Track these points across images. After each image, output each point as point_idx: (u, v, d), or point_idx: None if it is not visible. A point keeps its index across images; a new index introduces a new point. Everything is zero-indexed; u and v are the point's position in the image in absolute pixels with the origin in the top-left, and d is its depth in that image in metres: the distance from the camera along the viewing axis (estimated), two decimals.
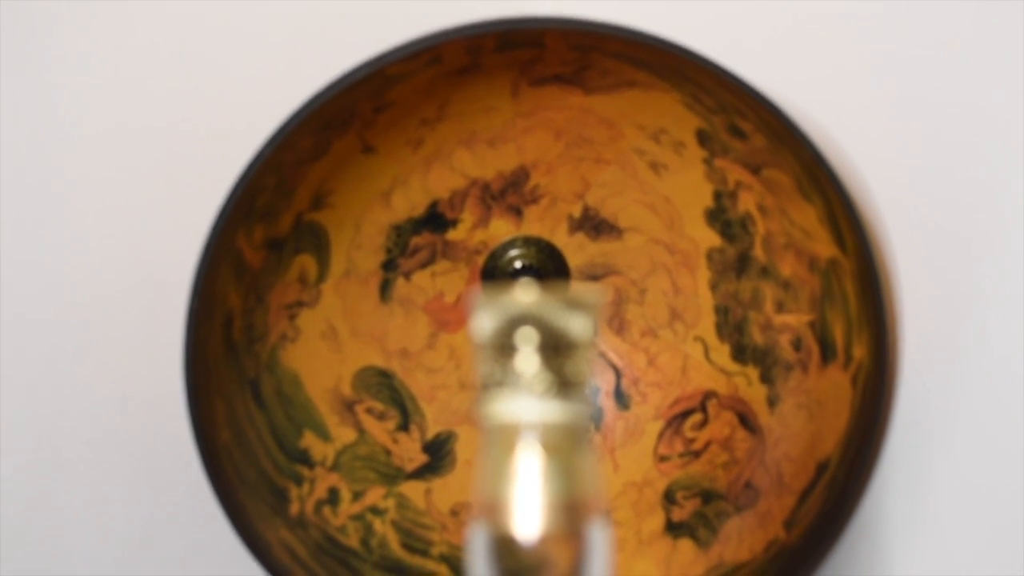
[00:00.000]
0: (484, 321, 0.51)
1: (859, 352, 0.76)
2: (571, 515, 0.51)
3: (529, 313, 0.51)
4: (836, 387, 0.77)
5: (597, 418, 0.82)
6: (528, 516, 0.51)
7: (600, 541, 0.52)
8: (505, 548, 0.51)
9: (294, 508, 0.78)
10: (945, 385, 0.74)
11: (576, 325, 0.51)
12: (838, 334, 0.77)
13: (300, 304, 0.79)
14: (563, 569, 0.51)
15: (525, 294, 0.51)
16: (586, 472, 0.51)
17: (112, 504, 0.81)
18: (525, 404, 0.51)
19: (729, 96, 0.75)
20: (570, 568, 0.51)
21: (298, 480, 0.79)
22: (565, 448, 0.51)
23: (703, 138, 0.78)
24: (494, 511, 0.51)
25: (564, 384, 0.51)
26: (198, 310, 0.74)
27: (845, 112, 0.78)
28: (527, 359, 0.51)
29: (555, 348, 0.51)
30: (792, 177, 0.76)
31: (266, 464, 0.78)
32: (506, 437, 0.51)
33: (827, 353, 0.78)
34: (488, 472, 0.51)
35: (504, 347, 0.51)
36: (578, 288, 0.51)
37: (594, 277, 0.80)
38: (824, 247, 0.77)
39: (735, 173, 0.79)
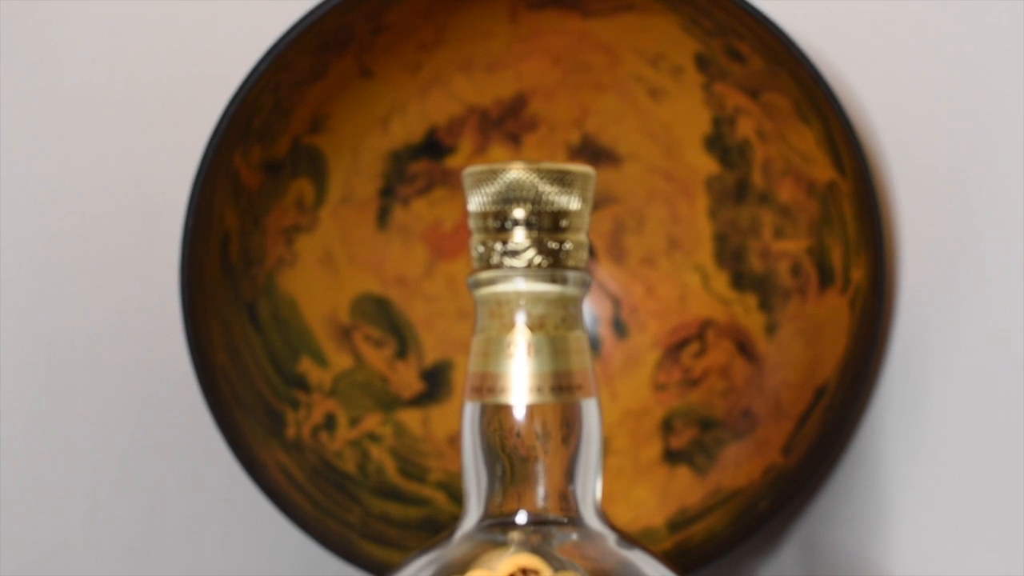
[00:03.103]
0: (476, 194, 0.51)
1: (857, 275, 0.76)
2: (560, 388, 0.51)
3: (520, 186, 0.50)
4: (834, 311, 0.77)
5: (595, 347, 0.82)
6: (518, 389, 0.51)
7: (590, 414, 0.51)
8: (495, 421, 0.51)
9: (290, 432, 0.78)
10: (943, 307, 0.74)
11: (567, 198, 0.51)
12: (836, 258, 0.77)
13: (297, 229, 0.79)
14: (553, 444, 0.51)
15: (516, 168, 0.51)
16: (576, 346, 0.51)
17: (109, 425, 0.81)
18: (516, 277, 0.51)
19: (727, 17, 0.75)
20: (559, 441, 0.51)
21: (295, 404, 0.79)
22: (555, 322, 0.51)
23: (701, 62, 0.78)
24: (485, 384, 0.51)
25: (555, 258, 0.51)
26: (194, 227, 0.74)
27: (841, 37, 0.78)
28: (518, 232, 0.51)
29: (546, 221, 0.51)
30: (790, 100, 0.76)
31: (263, 387, 0.78)
32: (497, 310, 0.51)
33: (825, 278, 0.78)
34: (480, 345, 0.51)
35: (496, 220, 0.51)
36: (569, 164, 0.51)
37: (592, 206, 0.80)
38: (822, 170, 0.77)
39: (733, 98, 0.78)
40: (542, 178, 0.50)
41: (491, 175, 0.51)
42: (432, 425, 0.81)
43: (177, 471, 0.82)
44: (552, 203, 0.50)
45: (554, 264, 0.51)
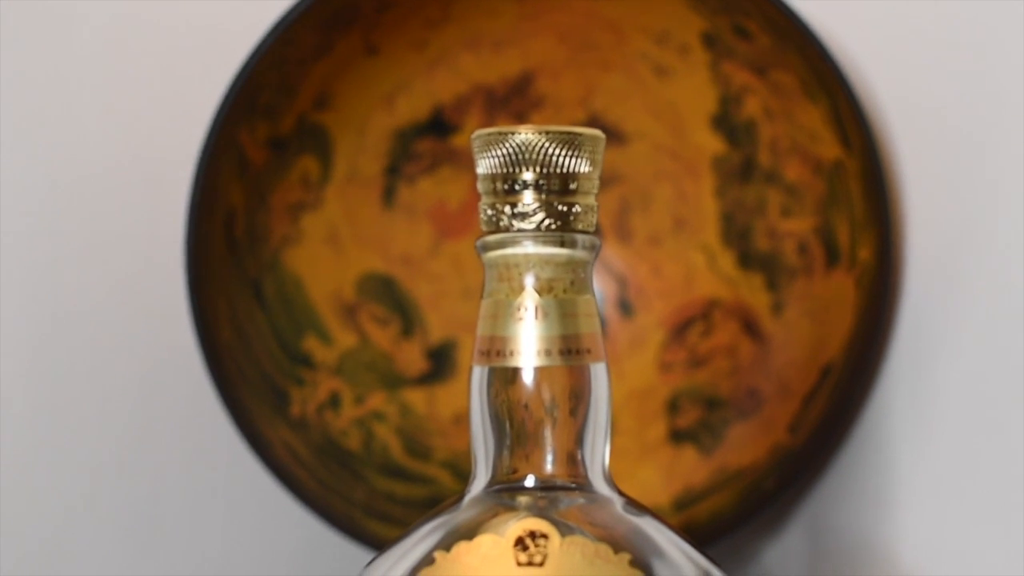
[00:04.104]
0: (485, 156, 0.51)
1: (864, 253, 0.76)
2: (569, 351, 0.51)
3: (529, 148, 0.50)
4: (840, 290, 0.77)
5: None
6: (527, 352, 0.50)
7: (599, 378, 0.51)
8: (503, 384, 0.51)
9: (295, 410, 0.78)
10: (950, 285, 0.74)
11: (576, 161, 0.51)
12: (843, 237, 0.77)
13: (302, 206, 0.79)
14: (561, 408, 0.51)
15: (525, 130, 0.51)
16: (585, 310, 0.51)
17: (113, 402, 0.81)
18: (525, 240, 0.51)
19: None
20: (568, 405, 0.51)
21: (299, 382, 0.79)
22: (564, 285, 0.51)
23: (708, 41, 0.78)
24: (493, 348, 0.51)
25: (564, 220, 0.51)
26: (200, 203, 0.74)
27: (849, 14, 0.77)
28: (527, 194, 0.50)
29: (555, 183, 0.50)
30: (797, 78, 0.76)
31: (267, 365, 0.78)
32: (506, 274, 0.51)
33: (832, 256, 0.77)
34: (488, 309, 0.51)
35: (504, 183, 0.51)
36: (578, 127, 0.51)
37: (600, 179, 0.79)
38: (829, 148, 0.76)
39: (740, 77, 0.78)
40: (551, 140, 0.50)
41: (500, 137, 0.50)
42: (437, 404, 0.81)
43: (181, 448, 0.82)
44: (561, 165, 0.50)
45: (563, 227, 0.50)
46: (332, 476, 0.77)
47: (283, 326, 0.79)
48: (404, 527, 0.77)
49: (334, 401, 0.79)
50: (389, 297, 0.81)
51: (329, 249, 0.80)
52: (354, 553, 0.77)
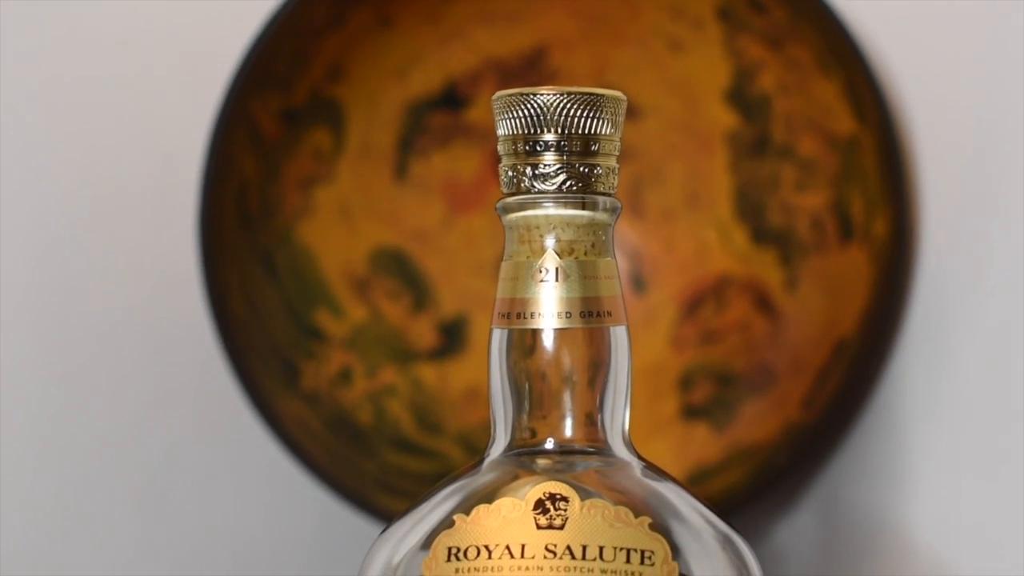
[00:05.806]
0: (506, 118, 0.51)
1: (879, 228, 0.75)
2: (590, 313, 0.50)
3: (551, 109, 0.50)
4: (854, 265, 0.77)
5: None
6: (547, 314, 0.50)
7: (619, 341, 0.51)
8: (523, 347, 0.50)
9: (307, 383, 0.78)
10: (966, 260, 0.73)
11: (597, 122, 0.50)
12: (857, 212, 0.77)
13: (315, 179, 0.79)
14: (581, 371, 0.51)
15: (546, 91, 0.50)
16: (606, 272, 0.51)
17: (125, 375, 0.81)
18: (546, 202, 0.50)
19: None
20: (588, 368, 0.51)
21: (311, 356, 0.78)
22: (585, 247, 0.50)
23: (723, 14, 0.78)
24: (513, 310, 0.50)
25: (586, 182, 0.50)
26: (212, 175, 0.74)
27: None
28: (548, 156, 0.50)
29: (576, 144, 0.50)
30: (812, 51, 0.76)
31: (279, 338, 0.78)
32: (527, 235, 0.51)
33: (846, 231, 0.77)
34: (508, 271, 0.51)
35: (526, 144, 0.50)
36: (599, 88, 0.51)
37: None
38: (844, 123, 0.76)
39: (754, 51, 0.78)
40: (573, 101, 0.50)
41: (521, 98, 0.50)
42: (449, 379, 0.81)
43: (192, 420, 0.82)
44: (583, 126, 0.50)
45: (584, 188, 0.50)
46: (344, 449, 0.77)
47: (295, 299, 0.79)
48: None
49: (345, 375, 0.79)
50: (401, 271, 0.81)
51: (341, 223, 0.80)
52: (365, 526, 0.77)
